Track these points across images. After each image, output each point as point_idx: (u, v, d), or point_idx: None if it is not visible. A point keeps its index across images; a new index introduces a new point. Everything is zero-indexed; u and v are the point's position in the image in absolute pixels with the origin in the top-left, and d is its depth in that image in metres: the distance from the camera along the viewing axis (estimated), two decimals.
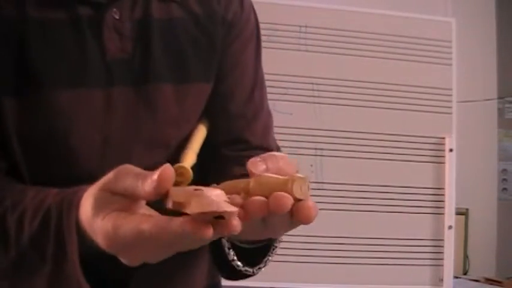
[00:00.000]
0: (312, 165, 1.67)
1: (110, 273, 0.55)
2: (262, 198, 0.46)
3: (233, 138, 0.77)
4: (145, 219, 0.46)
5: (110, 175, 0.49)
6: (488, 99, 2.55)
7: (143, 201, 0.49)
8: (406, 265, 1.70)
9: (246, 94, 0.79)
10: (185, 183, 0.63)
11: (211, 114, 0.77)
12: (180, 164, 0.65)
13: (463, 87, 1.86)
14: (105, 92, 0.68)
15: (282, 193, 0.45)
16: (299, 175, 0.47)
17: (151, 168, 0.70)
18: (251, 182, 0.48)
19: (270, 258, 0.67)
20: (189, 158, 0.69)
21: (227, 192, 0.46)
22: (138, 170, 0.48)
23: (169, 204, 0.44)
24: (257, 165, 0.50)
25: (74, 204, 0.54)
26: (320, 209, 0.47)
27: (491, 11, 2.57)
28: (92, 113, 0.68)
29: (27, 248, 0.57)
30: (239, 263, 0.66)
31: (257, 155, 0.76)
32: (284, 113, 1.65)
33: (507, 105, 2.56)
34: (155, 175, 0.46)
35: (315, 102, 1.69)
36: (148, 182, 0.46)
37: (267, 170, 0.50)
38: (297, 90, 1.68)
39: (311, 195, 0.48)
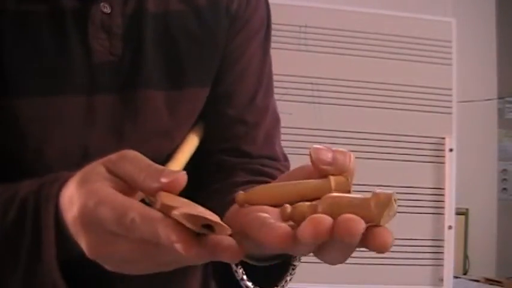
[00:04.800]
0: None
1: (94, 272, 0.46)
2: (328, 218, 0.37)
3: (231, 147, 0.69)
4: (137, 206, 0.40)
5: (111, 156, 0.44)
6: (488, 99, 2.55)
7: (140, 193, 0.43)
8: (406, 265, 1.69)
9: (248, 96, 0.70)
10: None
11: (207, 117, 0.69)
12: None
13: (463, 87, 1.86)
14: (87, 100, 0.60)
15: (351, 216, 0.36)
16: (382, 191, 0.38)
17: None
18: (320, 204, 0.39)
19: (288, 279, 0.55)
20: None
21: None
22: (146, 160, 0.43)
23: (158, 205, 0.39)
24: (321, 153, 0.44)
25: (53, 194, 0.45)
26: None
27: (491, 11, 2.57)
28: (71, 122, 0.60)
29: None
30: (249, 284, 0.55)
31: (260, 164, 0.68)
32: (284, 113, 1.64)
33: (507, 105, 2.56)
34: (166, 178, 0.41)
35: (315, 102, 1.69)
36: (154, 179, 0.41)
37: (333, 162, 0.44)
38: (297, 90, 1.68)
39: None
